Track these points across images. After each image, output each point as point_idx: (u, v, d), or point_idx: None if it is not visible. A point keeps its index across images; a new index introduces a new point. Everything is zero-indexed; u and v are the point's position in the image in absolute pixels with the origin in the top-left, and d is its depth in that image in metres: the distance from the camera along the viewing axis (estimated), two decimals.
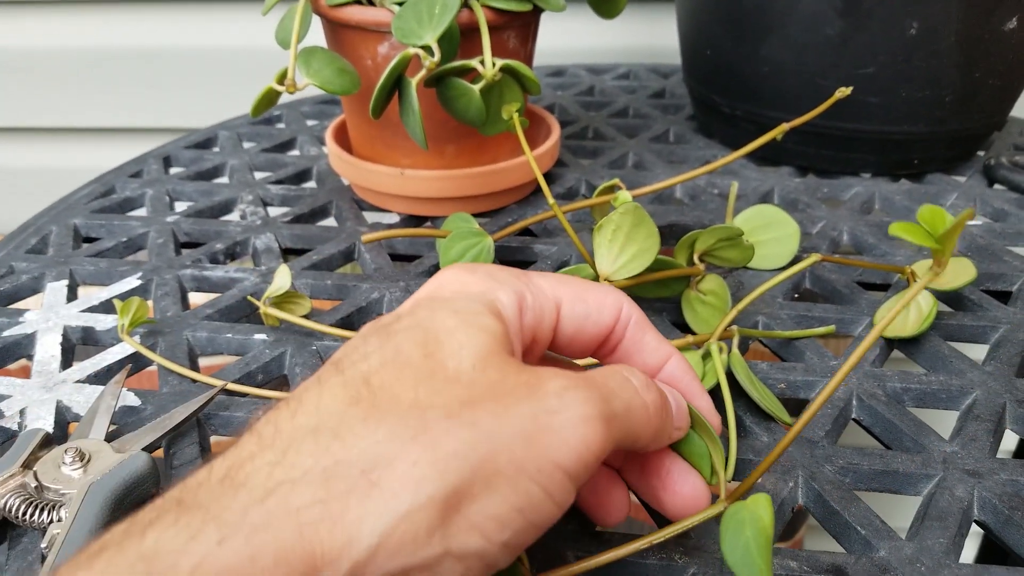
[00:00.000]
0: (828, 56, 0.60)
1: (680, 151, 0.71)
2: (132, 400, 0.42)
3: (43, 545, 0.32)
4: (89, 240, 0.59)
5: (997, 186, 0.66)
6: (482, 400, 0.23)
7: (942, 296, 0.50)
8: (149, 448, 0.37)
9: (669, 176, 0.66)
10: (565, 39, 0.94)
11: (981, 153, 0.71)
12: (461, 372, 0.24)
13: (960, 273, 0.48)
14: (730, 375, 0.41)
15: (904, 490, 0.38)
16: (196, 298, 0.52)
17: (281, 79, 0.50)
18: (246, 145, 0.73)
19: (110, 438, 0.38)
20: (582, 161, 0.69)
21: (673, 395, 0.30)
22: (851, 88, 0.51)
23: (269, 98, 0.51)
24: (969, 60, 0.59)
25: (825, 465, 0.38)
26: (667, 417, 0.29)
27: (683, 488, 0.30)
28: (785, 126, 0.52)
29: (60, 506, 0.34)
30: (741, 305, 0.43)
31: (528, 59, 0.58)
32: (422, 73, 0.48)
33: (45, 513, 0.34)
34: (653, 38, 0.95)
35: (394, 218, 0.60)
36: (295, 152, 0.73)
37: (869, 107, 0.61)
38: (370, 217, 0.60)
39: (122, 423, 0.40)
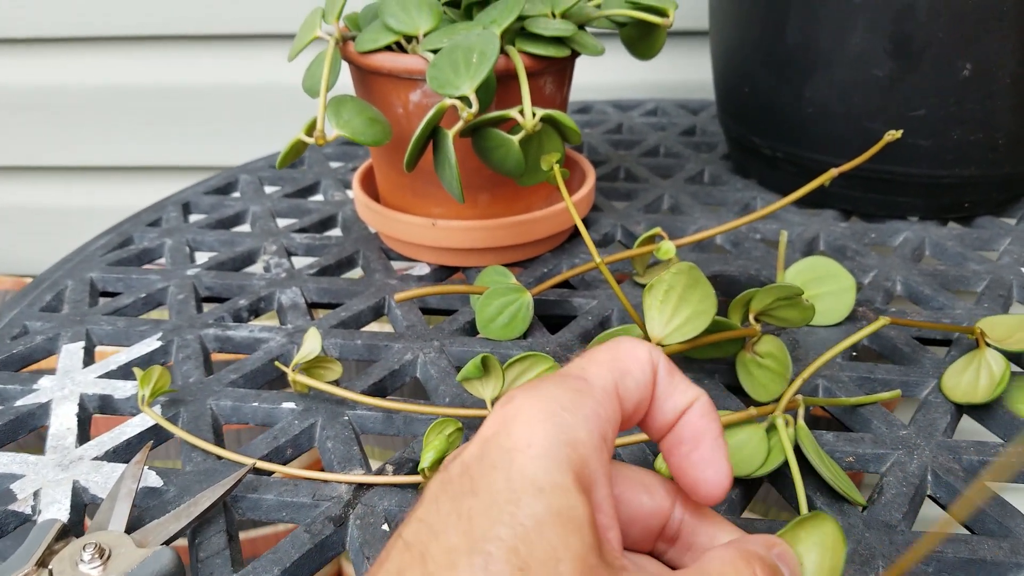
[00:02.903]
0: (876, 98, 0.58)
1: (717, 193, 0.68)
2: (154, 480, 0.39)
3: None
4: (107, 294, 0.57)
5: None
6: None
7: (1013, 358, 0.47)
8: (173, 539, 0.35)
9: (707, 220, 0.63)
10: (590, 75, 0.92)
11: None
12: None
13: None
14: (797, 450, 0.38)
15: None
16: (219, 356, 0.50)
17: (310, 130, 0.48)
18: (268, 190, 0.71)
19: (131, 527, 0.35)
20: (616, 204, 0.66)
21: (787, 572, 0.27)
22: (901, 131, 0.49)
23: (296, 150, 0.49)
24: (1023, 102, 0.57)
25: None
26: None
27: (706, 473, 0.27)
28: (834, 171, 0.49)
29: None
30: (807, 372, 0.40)
31: (563, 104, 0.56)
32: (459, 125, 0.45)
33: None
34: (680, 72, 0.93)
35: (423, 268, 0.57)
36: (319, 197, 0.71)
37: (919, 150, 0.59)
38: (398, 265, 0.58)
39: (143, 506, 0.38)
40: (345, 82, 0.52)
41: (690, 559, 0.28)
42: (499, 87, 0.48)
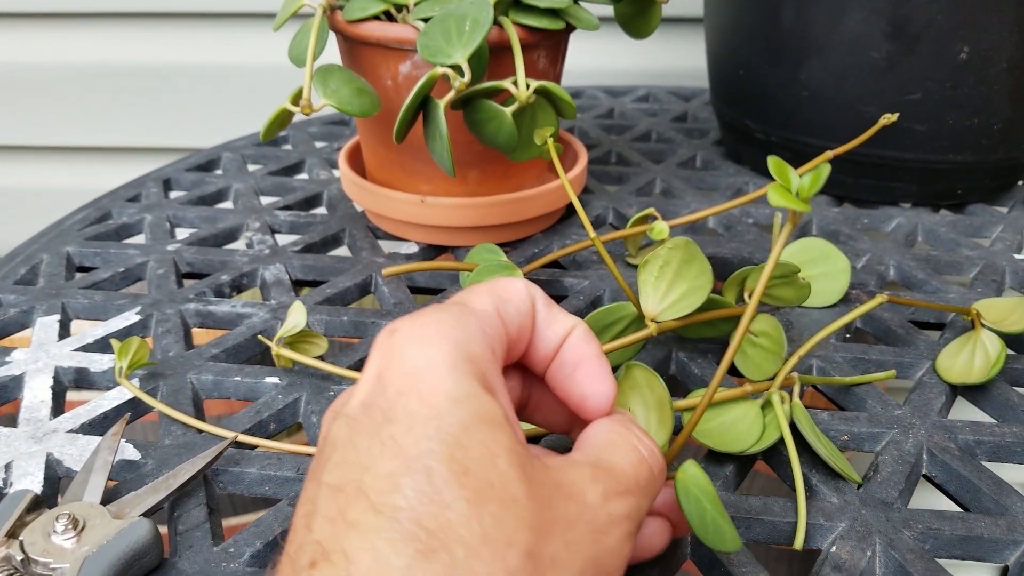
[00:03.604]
0: (872, 81, 0.57)
1: (710, 178, 0.67)
2: (131, 453, 0.38)
3: None
4: (83, 270, 0.55)
5: None
6: (543, 524, 0.22)
7: (1006, 338, 0.46)
8: (151, 511, 0.33)
9: (700, 204, 0.62)
10: (580, 59, 0.91)
11: (1021, 183, 0.68)
12: (507, 486, 0.22)
13: None
14: (792, 428, 0.38)
15: (990, 558, 0.35)
16: (200, 334, 0.48)
17: (296, 99, 0.46)
18: (251, 168, 0.70)
19: (107, 500, 0.34)
20: (608, 188, 0.65)
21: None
22: (897, 115, 0.48)
23: (282, 120, 0.47)
24: (1019, 87, 0.56)
25: (903, 531, 0.34)
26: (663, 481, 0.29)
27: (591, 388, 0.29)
28: (829, 154, 0.49)
29: None
30: (803, 350, 0.39)
31: (557, 81, 0.55)
32: (450, 95, 0.44)
33: None
34: (672, 59, 0.92)
35: (411, 247, 0.56)
36: (304, 176, 0.69)
37: (914, 135, 0.58)
38: (386, 246, 0.56)
39: (120, 480, 0.36)
40: (332, 55, 0.51)
41: (543, 416, 0.31)
42: (492, 60, 0.47)
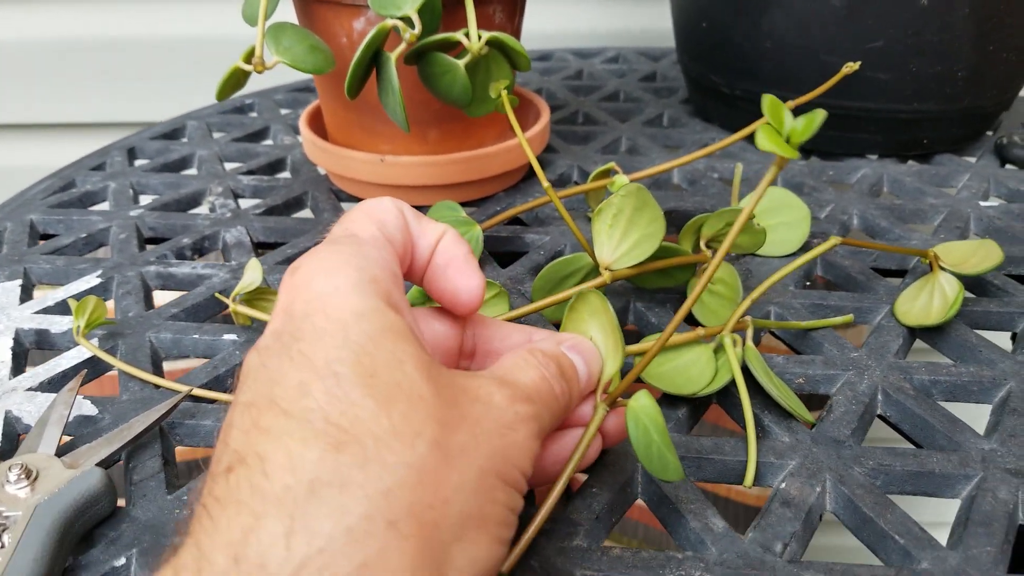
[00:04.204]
0: (834, 29, 0.57)
1: (676, 135, 0.67)
2: (88, 409, 0.38)
3: None
4: (46, 237, 0.55)
5: (1009, 166, 0.63)
6: (449, 419, 0.23)
7: (965, 281, 0.46)
8: (106, 462, 0.33)
9: (665, 161, 0.62)
10: (551, 22, 0.91)
11: (989, 133, 0.68)
12: (414, 386, 0.23)
13: (985, 257, 0.45)
14: (745, 371, 0.38)
15: (941, 493, 0.35)
16: (161, 298, 0.48)
17: (248, 57, 0.46)
18: (216, 135, 0.69)
19: (62, 452, 0.34)
20: (573, 147, 0.65)
21: (582, 361, 0.31)
22: (859, 63, 0.48)
23: (236, 79, 0.47)
24: (983, 33, 0.56)
25: (854, 467, 0.34)
26: (574, 397, 0.30)
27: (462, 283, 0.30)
28: (791, 103, 0.49)
29: (3, 530, 0.30)
30: (755, 294, 0.40)
31: (516, 35, 0.54)
32: (401, 47, 0.44)
33: None
34: (641, 20, 0.92)
35: None
36: (268, 142, 0.69)
37: (877, 84, 0.58)
38: (348, 208, 0.56)
39: (77, 435, 0.36)
40: (288, 15, 0.51)
41: (490, 365, 0.31)
42: (446, 14, 0.47)
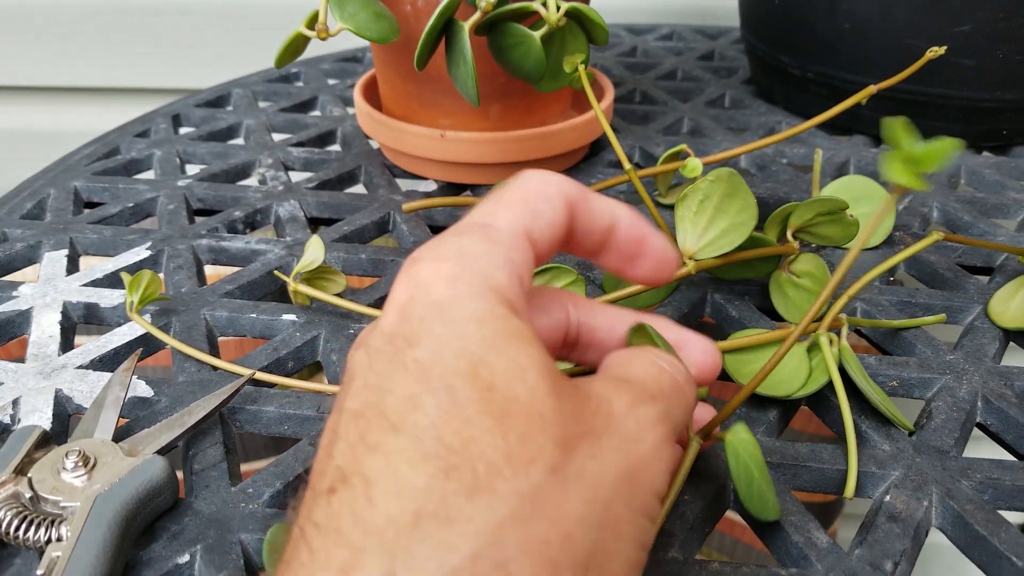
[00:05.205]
0: (920, 11, 0.54)
1: (740, 116, 0.64)
2: (144, 390, 0.36)
3: (39, 572, 0.27)
4: (91, 205, 0.53)
5: None
6: (570, 438, 0.21)
7: None
8: (165, 449, 0.32)
9: (731, 143, 0.59)
10: None
11: None
12: (534, 401, 0.21)
13: None
14: (840, 372, 0.36)
15: None
16: (212, 271, 0.46)
17: (311, 23, 0.44)
18: (262, 104, 0.67)
19: (119, 437, 0.32)
20: (633, 127, 0.62)
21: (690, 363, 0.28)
22: (944, 48, 0.45)
23: (296, 46, 0.45)
24: None
25: (961, 480, 0.32)
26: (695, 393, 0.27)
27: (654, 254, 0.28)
28: (872, 89, 0.46)
29: (60, 522, 0.28)
30: (853, 289, 0.37)
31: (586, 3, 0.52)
32: (476, 16, 0.41)
33: (42, 530, 0.28)
34: None
35: (430, 185, 0.54)
36: (316, 113, 0.67)
37: (960, 70, 0.55)
38: (403, 184, 0.54)
39: (132, 418, 0.35)
40: None
41: (593, 355, 0.29)
42: None
